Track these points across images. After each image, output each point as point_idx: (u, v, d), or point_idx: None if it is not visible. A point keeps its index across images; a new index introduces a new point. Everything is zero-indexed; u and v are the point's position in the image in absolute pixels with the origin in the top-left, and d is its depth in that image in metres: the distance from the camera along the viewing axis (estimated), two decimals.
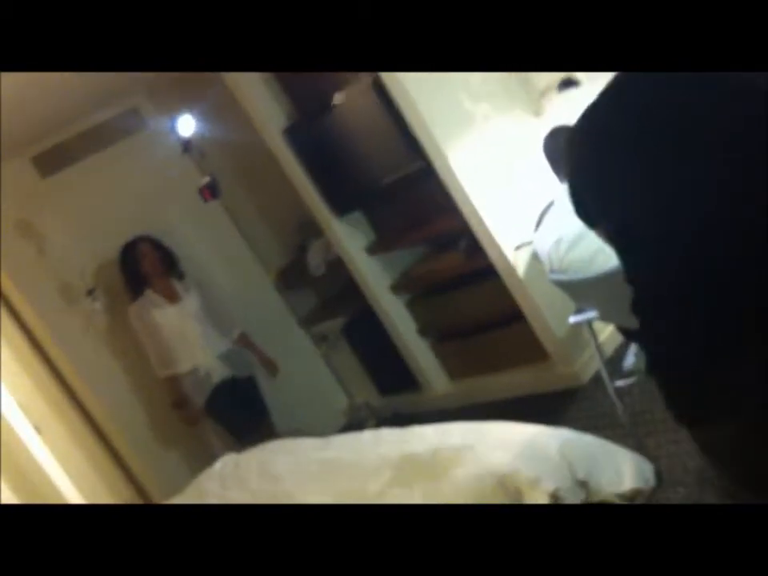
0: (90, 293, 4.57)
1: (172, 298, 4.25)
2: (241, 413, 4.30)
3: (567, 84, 3.48)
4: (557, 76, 3.52)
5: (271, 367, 4.51)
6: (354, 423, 4.85)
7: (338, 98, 3.96)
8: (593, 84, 3.42)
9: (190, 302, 4.27)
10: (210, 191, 4.49)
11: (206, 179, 4.36)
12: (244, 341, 4.45)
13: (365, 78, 3.77)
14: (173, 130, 4.51)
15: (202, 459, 3.83)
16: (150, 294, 4.22)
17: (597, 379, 3.42)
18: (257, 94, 4.28)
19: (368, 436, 2.93)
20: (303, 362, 5.04)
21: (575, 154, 1.60)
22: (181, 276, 4.37)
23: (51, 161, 4.63)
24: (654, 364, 1.52)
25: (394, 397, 4.80)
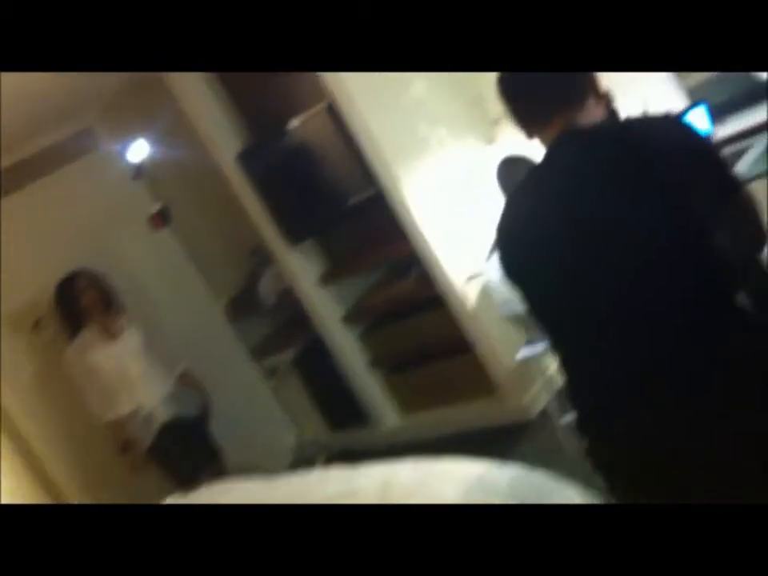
0: (36, 323, 4.42)
1: (112, 335, 3.99)
2: (187, 456, 4.06)
3: None
4: None
5: (199, 391, 4.26)
6: (304, 459, 4.75)
7: (293, 123, 3.93)
8: None
9: (131, 339, 4.04)
10: (161, 219, 4.43)
11: (157, 206, 4.29)
12: (187, 379, 4.23)
13: (320, 103, 3.75)
14: (124, 154, 4.45)
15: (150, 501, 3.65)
16: (87, 333, 3.95)
17: (546, 413, 3.39)
18: (211, 117, 4.23)
19: (315, 476, 2.86)
20: (252, 396, 4.94)
21: (502, 242, 1.71)
22: (120, 311, 4.12)
23: (5, 181, 4.50)
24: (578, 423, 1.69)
25: (345, 431, 4.71)
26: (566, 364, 1.66)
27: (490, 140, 3.70)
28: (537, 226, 1.59)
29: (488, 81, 3.64)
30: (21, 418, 4.32)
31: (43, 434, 4.35)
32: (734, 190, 1.51)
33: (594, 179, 1.52)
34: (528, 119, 1.67)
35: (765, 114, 2.60)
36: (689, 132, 1.52)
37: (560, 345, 1.67)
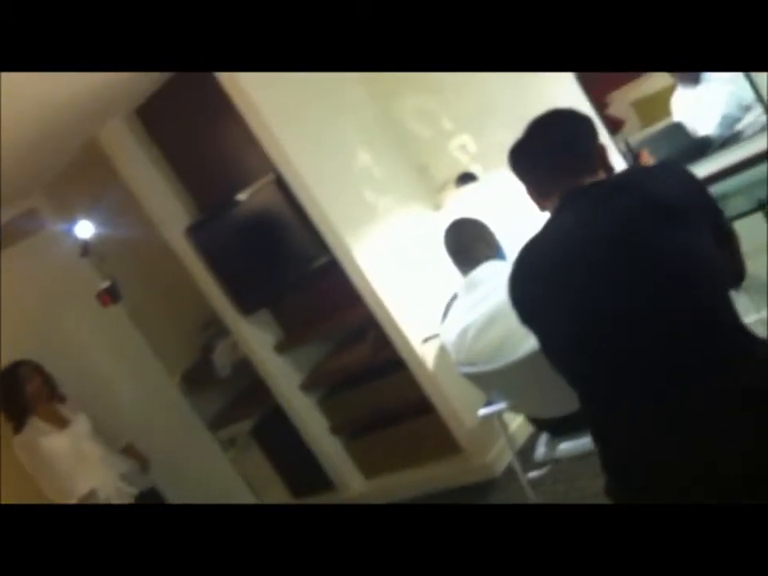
0: None
1: (59, 423, 3.95)
2: None
3: (465, 179, 3.57)
4: (455, 171, 3.61)
5: (143, 463, 4.22)
6: None
7: (241, 196, 3.95)
8: (490, 178, 3.55)
9: (81, 424, 4.00)
10: (110, 295, 4.38)
11: (105, 284, 4.26)
12: (131, 451, 4.20)
13: (267, 175, 3.79)
14: (71, 233, 4.42)
15: None
16: (35, 422, 3.87)
17: (511, 470, 3.39)
18: (157, 193, 4.23)
19: None
20: (212, 468, 4.86)
21: (517, 284, 1.78)
22: (63, 400, 4.08)
23: None
24: (609, 490, 1.70)
25: (308, 499, 4.66)
26: (586, 405, 1.71)
27: (436, 206, 3.77)
28: (555, 270, 1.66)
29: (432, 149, 3.77)
30: None
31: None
32: (728, 227, 1.68)
33: (609, 223, 1.61)
34: (541, 189, 1.76)
35: (704, 170, 2.68)
36: (689, 175, 1.67)
37: (580, 386, 1.70)
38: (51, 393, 4.01)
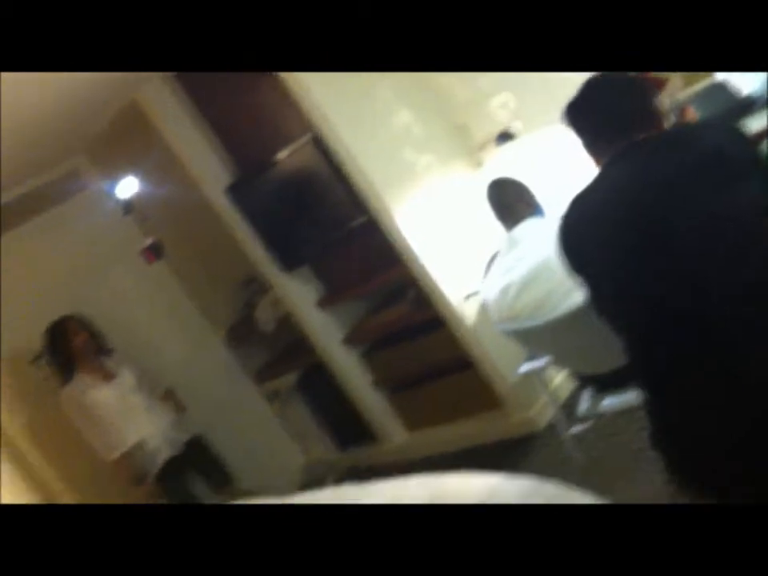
0: (35, 359, 4.44)
1: (106, 376, 4.05)
2: (200, 476, 4.17)
3: (504, 137, 3.54)
4: (495, 129, 3.57)
5: (179, 408, 4.32)
6: (312, 480, 4.78)
7: (279, 155, 3.96)
8: (529, 137, 3.52)
9: (126, 377, 4.09)
10: (153, 253, 4.45)
11: (149, 241, 4.31)
12: (169, 396, 4.31)
13: (306, 135, 3.79)
14: (113, 192, 4.48)
15: None
16: (82, 376, 3.99)
17: (553, 425, 3.42)
18: (198, 152, 4.26)
19: (325, 495, 2.87)
20: (258, 420, 4.97)
21: (568, 234, 1.78)
22: (109, 353, 4.18)
23: None
24: (657, 438, 1.69)
25: (352, 450, 4.74)
26: (635, 356, 1.71)
27: (476, 165, 3.75)
28: (606, 220, 1.67)
29: (471, 108, 3.73)
30: (33, 454, 4.33)
31: (60, 473, 4.36)
32: None
33: (661, 175, 1.62)
34: (597, 146, 1.78)
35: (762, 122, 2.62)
36: (739, 132, 1.69)
37: (628, 337, 1.71)
38: (98, 347, 4.11)
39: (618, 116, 1.78)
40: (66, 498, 4.34)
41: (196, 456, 4.19)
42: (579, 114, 1.85)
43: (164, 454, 4.04)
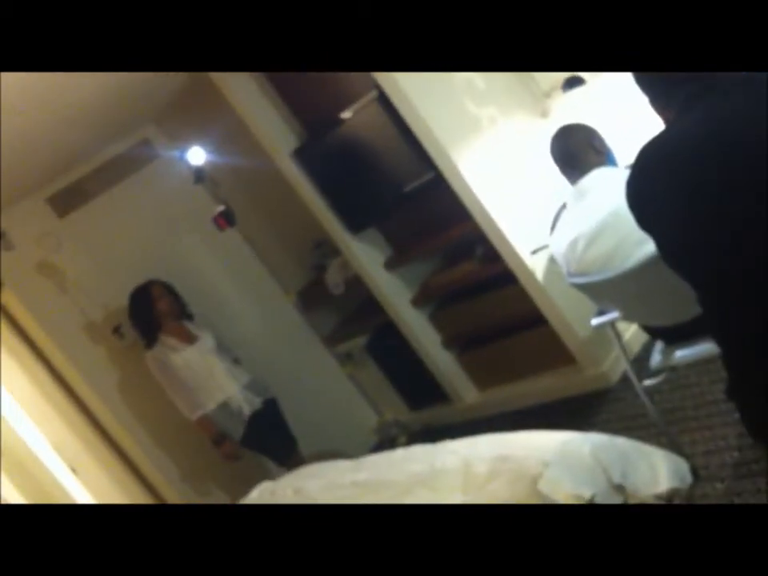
0: (116, 330, 4.58)
1: (188, 339, 4.18)
2: (276, 437, 4.28)
3: (572, 83, 3.46)
4: (561, 75, 3.49)
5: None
6: (386, 440, 4.83)
7: (344, 115, 3.96)
8: (598, 82, 3.42)
9: (207, 340, 4.22)
10: (225, 219, 4.50)
11: (220, 208, 4.37)
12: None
13: (369, 93, 3.78)
14: (184, 160, 4.54)
15: (240, 491, 3.69)
16: (165, 339, 4.14)
17: (626, 379, 3.37)
18: (265, 117, 4.29)
19: (399, 454, 2.91)
20: (330, 382, 5.04)
21: (636, 185, 1.71)
22: (191, 317, 4.31)
23: (67, 200, 4.66)
24: (733, 389, 1.65)
25: (424, 411, 4.77)
26: (708, 307, 1.66)
27: (543, 113, 3.67)
28: (678, 169, 1.61)
29: None
30: (111, 420, 4.49)
31: (138, 438, 4.51)
32: None
33: (737, 120, 1.55)
34: (668, 97, 1.72)
35: None
36: None
37: (701, 289, 1.65)
38: (180, 311, 4.24)
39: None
40: (150, 460, 4.51)
41: (272, 416, 4.29)
42: None
43: (245, 416, 4.15)
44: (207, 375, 4.13)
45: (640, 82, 1.78)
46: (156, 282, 4.24)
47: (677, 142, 1.65)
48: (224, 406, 4.13)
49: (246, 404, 4.16)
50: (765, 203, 1.48)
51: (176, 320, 4.21)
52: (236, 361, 4.36)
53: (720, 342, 1.66)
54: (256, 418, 4.19)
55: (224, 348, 4.30)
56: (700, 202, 1.57)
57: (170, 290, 4.24)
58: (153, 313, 4.15)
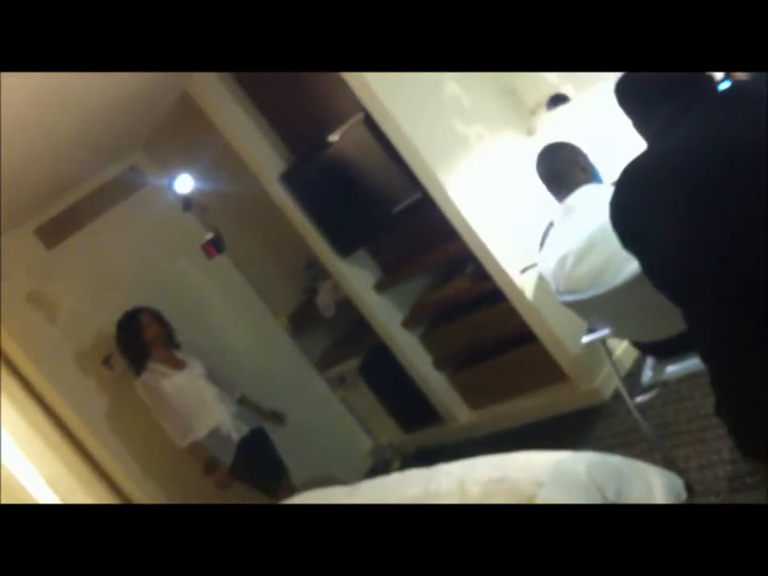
0: (106, 360, 4.54)
1: (177, 365, 4.15)
2: (265, 466, 4.24)
3: (556, 101, 3.48)
4: (546, 93, 3.51)
5: (276, 419, 4.46)
6: (380, 464, 4.80)
7: (331, 138, 3.97)
8: (582, 100, 3.44)
9: (196, 366, 4.19)
10: (214, 247, 4.49)
11: (209, 236, 4.36)
12: (245, 401, 4.39)
13: (356, 115, 3.79)
14: (172, 187, 4.54)
15: None
16: (154, 366, 4.10)
17: (618, 395, 3.37)
18: (252, 142, 4.30)
19: (394, 479, 2.89)
20: (322, 407, 5.01)
21: (619, 207, 1.74)
22: (179, 346, 4.28)
23: (55, 231, 4.62)
24: (720, 407, 1.65)
25: (418, 432, 4.75)
26: (693, 326, 1.67)
27: (529, 131, 3.69)
28: (659, 191, 1.62)
29: (519, 74, 3.66)
30: (102, 452, 4.45)
31: (129, 469, 4.47)
32: None
33: (715, 136, 1.57)
34: (648, 119, 1.73)
35: None
36: None
37: (685, 308, 1.67)
38: (168, 338, 4.21)
39: (668, 82, 1.71)
40: (142, 492, 4.46)
41: (259, 445, 4.25)
42: (627, 88, 1.80)
43: (234, 443, 4.11)
44: (198, 401, 4.10)
45: (622, 104, 1.80)
46: (144, 309, 4.22)
47: (659, 161, 1.67)
48: (215, 432, 4.10)
49: (235, 431, 4.13)
50: (752, 222, 1.49)
51: (164, 347, 4.19)
52: (229, 391, 4.32)
53: (705, 360, 1.66)
54: (245, 446, 4.14)
55: (214, 376, 4.27)
56: (684, 221, 1.58)
57: (157, 317, 4.22)
58: (141, 340, 4.12)
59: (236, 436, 4.11)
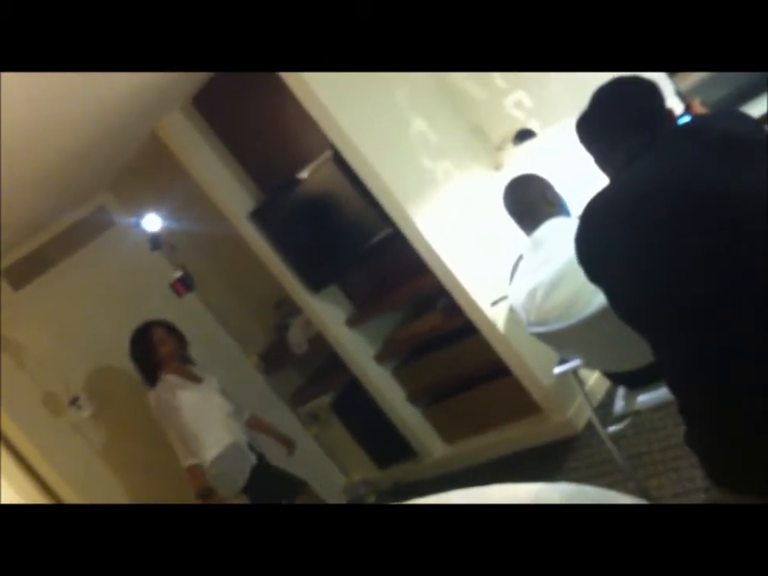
0: (74, 401, 4.48)
1: (194, 379, 3.97)
2: (285, 482, 4.06)
3: (523, 136, 3.53)
4: (512, 128, 3.57)
5: (289, 445, 4.27)
6: (354, 500, 4.76)
7: (300, 175, 3.99)
8: (549, 133, 3.49)
9: (213, 382, 4.02)
10: (183, 285, 4.47)
11: (178, 273, 4.34)
12: (255, 422, 4.22)
13: (324, 153, 3.82)
14: (140, 227, 4.52)
15: None
16: (169, 378, 3.89)
17: (591, 425, 3.38)
18: (221, 181, 4.30)
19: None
20: (295, 444, 4.96)
21: (583, 242, 1.77)
22: (193, 363, 4.12)
23: (22, 273, 4.58)
24: (690, 437, 1.65)
25: (392, 468, 4.72)
26: (660, 358, 1.68)
27: (496, 166, 3.74)
28: (621, 226, 1.65)
29: (487, 108, 3.72)
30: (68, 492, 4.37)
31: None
32: None
33: (674, 172, 1.60)
34: (610, 156, 1.77)
35: (763, 108, 2.61)
36: (747, 116, 1.68)
37: (651, 340, 1.68)
38: (184, 353, 4.07)
39: (628, 118, 1.76)
40: None
41: (269, 467, 4.08)
42: (588, 125, 1.84)
43: (252, 461, 3.94)
44: (213, 417, 3.90)
45: (583, 141, 1.84)
46: (157, 323, 4.03)
47: (622, 195, 1.70)
48: (230, 449, 3.87)
49: (248, 448, 3.95)
50: (712, 254, 1.52)
51: (180, 361, 4.02)
52: (252, 419, 4.18)
53: (673, 391, 1.68)
54: (261, 468, 3.96)
55: (227, 394, 4.09)
56: (647, 252, 1.61)
57: (171, 330, 4.05)
58: (155, 353, 3.94)
59: (253, 456, 3.95)
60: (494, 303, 3.56)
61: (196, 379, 3.97)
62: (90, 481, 4.38)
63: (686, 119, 2.57)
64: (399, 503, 2.74)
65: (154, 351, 3.93)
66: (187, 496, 3.96)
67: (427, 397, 4.44)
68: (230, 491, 3.86)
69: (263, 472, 3.97)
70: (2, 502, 3.99)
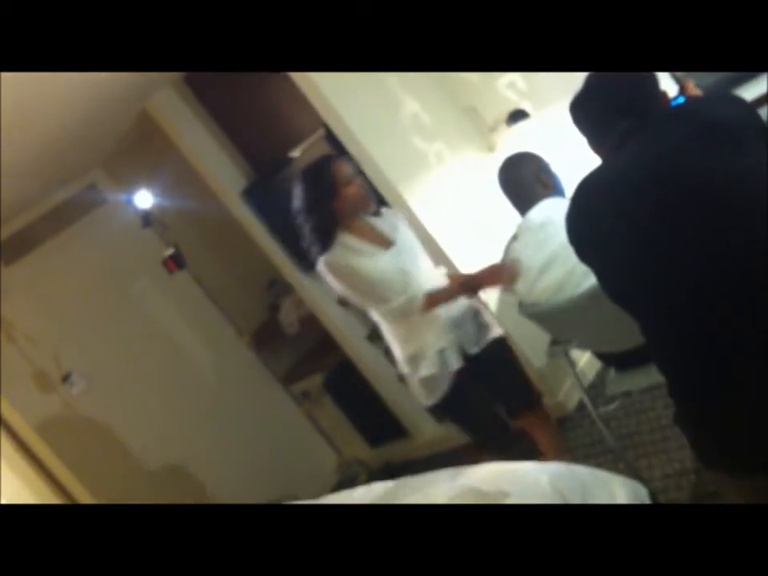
0: (65, 378, 4.48)
1: (381, 242, 2.88)
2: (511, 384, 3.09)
3: (516, 117, 3.51)
4: (505, 109, 3.55)
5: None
6: (346, 480, 4.78)
7: (292, 154, 3.98)
8: (542, 114, 3.48)
9: (406, 242, 2.94)
10: (175, 262, 4.47)
11: (170, 251, 4.34)
12: None
13: (317, 132, 3.80)
14: (131, 204, 4.51)
15: None
16: (347, 239, 2.86)
17: (582, 407, 3.40)
18: (213, 159, 4.28)
19: (359, 493, 2.87)
20: (288, 423, 4.99)
21: (574, 223, 1.77)
22: (379, 214, 2.97)
23: (13, 248, 4.57)
24: (679, 417, 1.67)
25: (384, 447, 4.74)
26: (649, 339, 1.69)
27: (489, 147, 3.72)
28: (612, 207, 1.65)
29: (480, 90, 3.70)
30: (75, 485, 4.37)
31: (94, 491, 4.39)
32: None
33: (665, 154, 1.60)
34: (603, 139, 1.77)
35: (752, 93, 2.61)
36: (740, 100, 1.68)
37: (641, 321, 1.69)
38: (369, 204, 2.92)
39: (620, 101, 1.76)
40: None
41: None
42: (581, 107, 1.83)
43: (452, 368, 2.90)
44: (406, 278, 2.84)
45: (577, 122, 1.84)
46: (337, 156, 3.01)
47: (613, 176, 1.70)
48: (440, 354, 2.86)
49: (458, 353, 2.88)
50: (701, 234, 1.52)
51: (362, 215, 2.89)
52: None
53: (663, 371, 1.68)
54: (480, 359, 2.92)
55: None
56: (637, 234, 1.61)
57: (357, 169, 2.99)
58: (334, 203, 2.83)
59: (455, 363, 2.88)
60: None
61: (386, 242, 2.89)
62: (82, 456, 4.38)
63: (680, 101, 2.57)
64: (390, 479, 2.76)
65: (335, 194, 2.82)
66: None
67: None
68: None
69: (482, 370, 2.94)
70: None
